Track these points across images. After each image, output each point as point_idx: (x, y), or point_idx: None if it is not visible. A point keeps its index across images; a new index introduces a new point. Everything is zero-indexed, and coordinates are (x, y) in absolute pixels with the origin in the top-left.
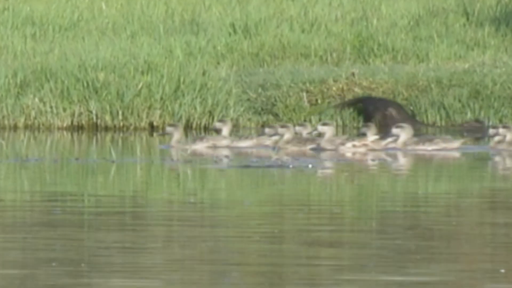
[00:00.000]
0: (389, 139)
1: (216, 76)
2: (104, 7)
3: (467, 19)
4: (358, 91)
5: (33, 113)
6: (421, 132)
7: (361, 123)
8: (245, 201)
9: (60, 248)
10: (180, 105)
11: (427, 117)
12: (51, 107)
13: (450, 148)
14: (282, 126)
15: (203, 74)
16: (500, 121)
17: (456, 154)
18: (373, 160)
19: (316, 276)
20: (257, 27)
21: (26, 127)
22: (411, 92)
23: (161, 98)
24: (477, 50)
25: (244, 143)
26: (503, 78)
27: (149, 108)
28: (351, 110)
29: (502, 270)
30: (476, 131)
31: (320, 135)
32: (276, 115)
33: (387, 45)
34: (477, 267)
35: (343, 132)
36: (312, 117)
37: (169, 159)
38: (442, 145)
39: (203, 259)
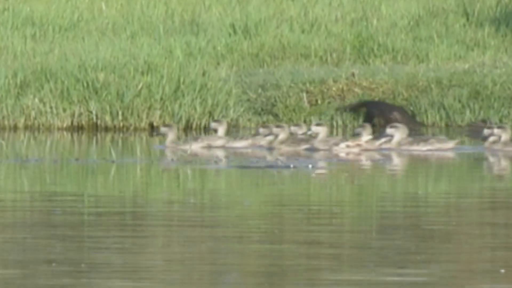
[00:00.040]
0: (383, 139)
1: (216, 76)
2: (104, 7)
3: (467, 19)
4: (358, 92)
5: (33, 114)
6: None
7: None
8: (245, 201)
9: (60, 248)
10: (180, 106)
11: (427, 117)
12: (51, 107)
13: (444, 148)
14: (277, 126)
15: (203, 74)
16: (500, 121)
17: (451, 155)
18: (367, 160)
19: (316, 276)
20: (257, 27)
21: (26, 127)
22: (411, 93)
23: (161, 99)
24: (477, 51)
25: (239, 144)
26: (503, 78)
27: (149, 108)
28: (354, 113)
29: (502, 270)
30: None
31: (314, 135)
32: (276, 116)
33: (387, 46)
34: (477, 267)
35: (343, 133)
36: (312, 118)
37: (164, 159)
38: (437, 145)
39: (203, 259)
